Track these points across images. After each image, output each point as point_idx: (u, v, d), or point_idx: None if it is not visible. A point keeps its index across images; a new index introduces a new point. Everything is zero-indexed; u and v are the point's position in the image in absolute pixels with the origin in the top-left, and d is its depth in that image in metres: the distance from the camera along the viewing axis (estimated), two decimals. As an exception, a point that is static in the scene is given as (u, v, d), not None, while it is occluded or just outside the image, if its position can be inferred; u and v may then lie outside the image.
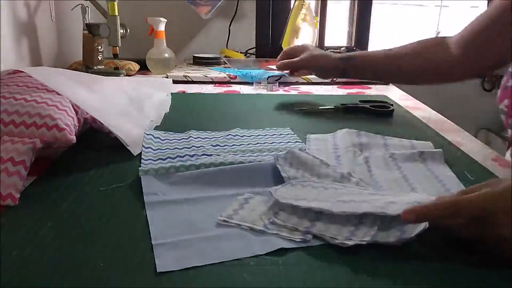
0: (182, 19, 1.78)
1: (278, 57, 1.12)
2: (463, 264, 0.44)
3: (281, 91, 1.29)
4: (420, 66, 0.94)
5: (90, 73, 0.98)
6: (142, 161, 0.68)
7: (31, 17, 1.22)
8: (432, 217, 0.45)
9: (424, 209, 0.45)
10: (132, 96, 0.94)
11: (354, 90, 1.32)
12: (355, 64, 1.00)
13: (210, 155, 0.70)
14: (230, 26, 1.84)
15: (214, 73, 1.44)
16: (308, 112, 1.02)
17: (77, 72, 0.93)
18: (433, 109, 1.09)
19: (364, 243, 0.46)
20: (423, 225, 0.45)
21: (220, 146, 0.75)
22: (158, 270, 0.42)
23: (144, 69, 1.46)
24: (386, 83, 1.36)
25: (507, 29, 0.76)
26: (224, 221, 0.51)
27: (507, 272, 0.42)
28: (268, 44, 1.86)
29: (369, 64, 1.00)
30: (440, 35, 2.26)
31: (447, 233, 0.47)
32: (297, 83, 1.39)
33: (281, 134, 0.82)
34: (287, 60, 1.07)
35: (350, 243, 0.46)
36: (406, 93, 1.27)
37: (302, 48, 1.08)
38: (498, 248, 0.43)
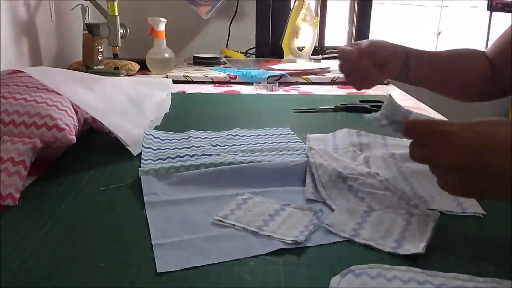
0: (182, 19, 1.78)
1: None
2: (464, 271, 0.44)
3: (281, 91, 1.29)
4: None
5: (90, 73, 0.98)
6: (142, 161, 0.68)
7: (31, 17, 1.22)
8: (425, 132, 0.46)
9: (424, 124, 0.46)
10: (132, 96, 0.94)
11: (354, 90, 1.32)
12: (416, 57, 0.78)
13: (210, 155, 0.70)
14: (230, 26, 1.84)
15: (214, 73, 1.44)
16: (308, 112, 1.02)
17: (77, 72, 0.93)
18: (433, 109, 1.09)
19: (363, 242, 0.47)
20: (421, 248, 0.45)
21: (220, 146, 0.75)
22: (158, 271, 0.42)
23: (144, 69, 1.46)
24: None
25: None
26: (219, 220, 0.51)
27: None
28: (268, 44, 1.87)
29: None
30: (441, 35, 2.27)
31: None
32: (297, 83, 1.39)
33: (281, 134, 0.82)
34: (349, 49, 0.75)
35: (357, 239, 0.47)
36: (406, 93, 1.27)
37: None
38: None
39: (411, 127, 0.47)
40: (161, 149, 0.73)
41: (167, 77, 1.36)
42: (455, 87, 0.82)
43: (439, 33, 2.25)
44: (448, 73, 0.80)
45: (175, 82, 1.32)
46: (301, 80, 1.40)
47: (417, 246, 0.45)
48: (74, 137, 0.67)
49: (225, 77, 1.40)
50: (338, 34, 2.03)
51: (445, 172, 0.45)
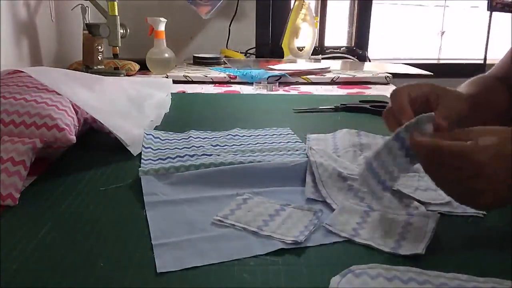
0: (182, 19, 1.78)
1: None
2: (464, 271, 0.44)
3: (281, 91, 1.29)
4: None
5: (90, 73, 0.98)
6: (142, 161, 0.68)
7: (31, 17, 1.22)
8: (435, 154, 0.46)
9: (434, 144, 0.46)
10: (132, 96, 0.94)
11: (354, 90, 1.32)
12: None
13: (210, 155, 0.70)
14: (230, 26, 1.84)
15: (214, 73, 1.44)
16: (308, 112, 1.02)
17: (77, 72, 0.93)
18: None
19: (363, 242, 0.47)
20: (421, 248, 0.45)
21: (220, 146, 0.75)
22: (158, 271, 0.42)
23: (144, 69, 1.46)
24: None
25: None
26: (220, 220, 0.51)
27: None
28: (268, 44, 1.87)
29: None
30: (445, 35, 2.26)
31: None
32: (297, 83, 1.39)
33: (281, 134, 0.82)
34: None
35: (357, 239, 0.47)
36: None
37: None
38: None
39: (417, 146, 0.47)
40: (161, 149, 0.73)
41: (167, 77, 1.36)
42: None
43: (442, 33, 2.24)
44: (481, 114, 0.69)
45: (175, 82, 1.32)
46: (301, 80, 1.40)
47: (417, 247, 0.45)
48: (74, 137, 0.67)
49: (225, 77, 1.40)
50: (338, 34, 2.03)
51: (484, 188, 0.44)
